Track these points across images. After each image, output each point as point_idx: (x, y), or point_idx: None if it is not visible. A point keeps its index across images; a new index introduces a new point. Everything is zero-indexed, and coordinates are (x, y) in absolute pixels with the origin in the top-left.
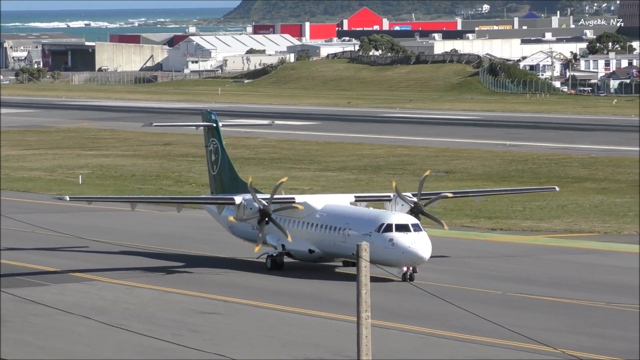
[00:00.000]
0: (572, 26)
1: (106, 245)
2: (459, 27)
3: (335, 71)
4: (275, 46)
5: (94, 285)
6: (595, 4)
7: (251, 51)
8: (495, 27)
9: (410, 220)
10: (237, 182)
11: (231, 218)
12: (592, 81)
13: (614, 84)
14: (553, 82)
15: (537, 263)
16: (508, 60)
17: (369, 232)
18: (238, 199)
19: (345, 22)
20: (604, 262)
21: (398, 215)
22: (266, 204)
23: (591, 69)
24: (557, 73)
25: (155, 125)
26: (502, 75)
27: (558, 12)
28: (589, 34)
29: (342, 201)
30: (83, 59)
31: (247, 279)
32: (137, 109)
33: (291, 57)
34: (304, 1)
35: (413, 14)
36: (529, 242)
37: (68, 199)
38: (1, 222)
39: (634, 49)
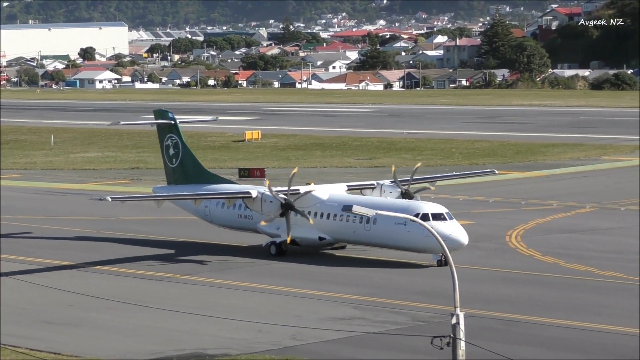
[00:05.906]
0: None
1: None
2: None
3: None
4: None
5: None
6: None
7: None
8: None
9: (443, 209)
10: (202, 173)
11: (263, 222)
12: None
13: None
14: None
15: None
16: None
17: (403, 221)
18: (254, 192)
19: None
20: None
21: (428, 204)
22: (289, 198)
23: None
24: None
25: (123, 124)
26: None
27: None
28: None
29: (339, 190)
30: None
31: None
32: None
33: None
34: None
35: None
36: None
37: (110, 199)
38: None
39: None
